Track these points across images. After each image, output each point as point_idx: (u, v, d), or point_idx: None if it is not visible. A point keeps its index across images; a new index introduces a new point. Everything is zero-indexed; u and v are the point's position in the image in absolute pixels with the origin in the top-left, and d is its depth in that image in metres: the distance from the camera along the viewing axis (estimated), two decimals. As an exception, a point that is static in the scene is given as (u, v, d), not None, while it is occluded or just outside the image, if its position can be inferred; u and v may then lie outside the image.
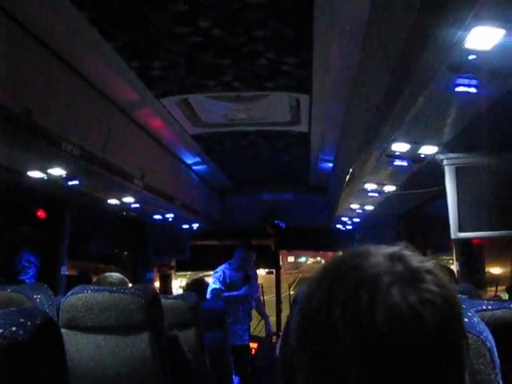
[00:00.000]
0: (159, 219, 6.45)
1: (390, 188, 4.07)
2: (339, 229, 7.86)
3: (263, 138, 5.45)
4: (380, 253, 0.97)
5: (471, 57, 1.65)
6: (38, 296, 2.98)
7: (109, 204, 4.98)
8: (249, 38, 3.18)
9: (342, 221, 7.08)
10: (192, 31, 3.07)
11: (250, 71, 3.68)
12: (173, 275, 9.29)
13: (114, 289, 3.02)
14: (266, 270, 10.04)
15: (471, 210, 2.89)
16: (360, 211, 5.60)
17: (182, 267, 9.29)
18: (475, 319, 1.49)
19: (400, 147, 2.85)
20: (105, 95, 3.81)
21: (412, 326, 0.86)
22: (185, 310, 4.05)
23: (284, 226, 8.49)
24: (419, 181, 3.76)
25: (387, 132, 2.69)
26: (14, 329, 1.36)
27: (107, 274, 3.92)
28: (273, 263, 9.37)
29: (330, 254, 9.19)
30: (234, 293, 6.83)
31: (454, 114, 2.34)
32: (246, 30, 3.08)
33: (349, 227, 7.57)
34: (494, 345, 1.47)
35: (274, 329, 8.12)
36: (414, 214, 6.38)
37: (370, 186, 4.05)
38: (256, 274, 7.46)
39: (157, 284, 8.45)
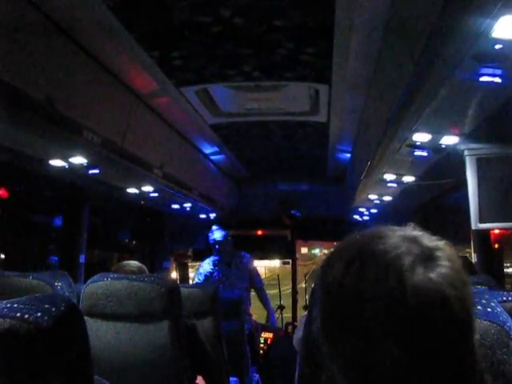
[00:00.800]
0: (177, 209, 6.47)
1: (408, 178, 4.06)
2: (356, 220, 7.84)
3: (281, 128, 5.45)
4: (395, 235, 1.04)
5: (497, 46, 1.64)
6: (59, 283, 3.01)
7: (128, 193, 5.00)
8: (269, 28, 3.17)
9: (359, 211, 7.06)
10: (213, 20, 3.06)
11: (269, 61, 3.68)
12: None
13: (134, 277, 3.04)
14: (282, 260, 10.03)
15: (492, 201, 2.88)
16: (378, 202, 5.58)
17: (198, 256, 9.30)
18: (498, 309, 1.48)
19: (421, 137, 2.84)
20: (125, 84, 3.82)
21: (436, 301, 0.96)
22: (203, 299, 4.07)
23: (300, 215, 8.49)
24: (438, 171, 3.74)
25: (409, 122, 2.68)
26: (38, 314, 1.38)
27: (125, 262, 3.94)
28: (289, 253, 9.37)
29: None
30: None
31: (477, 104, 2.32)
32: (266, 19, 3.07)
33: (366, 218, 7.55)
34: (518, 335, 1.47)
35: (290, 319, 8.15)
36: (432, 206, 6.36)
37: (388, 177, 4.04)
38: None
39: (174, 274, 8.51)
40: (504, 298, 2.40)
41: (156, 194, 5.20)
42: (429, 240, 1.05)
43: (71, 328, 1.44)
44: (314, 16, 3.02)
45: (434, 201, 6.05)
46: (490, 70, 1.84)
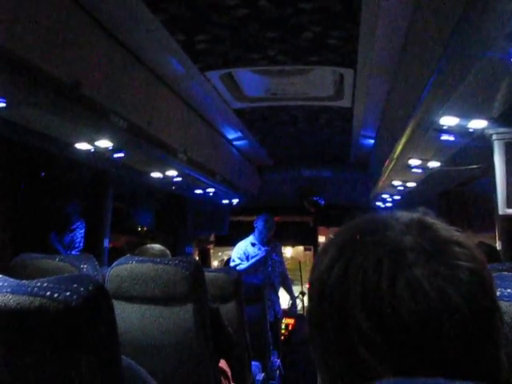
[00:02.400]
0: (200, 194, 6.49)
1: (434, 164, 4.02)
2: (379, 206, 7.81)
3: (305, 113, 5.43)
4: (402, 221, 0.84)
5: (532, 25, 1.61)
6: (85, 266, 3.05)
7: (152, 177, 5.01)
8: (295, 11, 3.15)
9: (382, 198, 7.02)
10: (238, 3, 3.04)
11: (295, 45, 3.66)
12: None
13: (159, 260, 3.07)
14: (304, 247, 10.05)
15: (520, 187, 2.85)
16: (401, 188, 5.54)
17: (221, 242, 9.35)
18: None
19: (449, 121, 2.81)
20: (150, 69, 3.83)
21: (439, 309, 0.75)
22: (226, 284, 4.09)
23: (323, 202, 8.48)
24: (464, 157, 3.70)
25: (437, 105, 2.65)
26: (67, 293, 1.39)
27: (148, 245, 3.97)
28: (311, 240, 9.38)
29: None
30: (250, 262, 6.91)
31: (507, 86, 2.29)
32: (292, 1, 3.05)
33: (388, 205, 7.51)
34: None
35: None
36: (456, 193, 6.30)
37: (413, 162, 4.00)
38: (279, 248, 7.45)
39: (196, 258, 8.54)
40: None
41: (180, 179, 5.21)
42: (445, 230, 0.83)
43: (99, 307, 1.46)
44: (341, -1, 2.99)
45: (459, 187, 6.00)
46: (523, 51, 1.81)
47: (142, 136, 3.79)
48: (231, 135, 6.22)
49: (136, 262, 3.05)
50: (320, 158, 7.84)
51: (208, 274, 3.65)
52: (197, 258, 8.49)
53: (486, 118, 2.75)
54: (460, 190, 6.10)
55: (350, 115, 5.29)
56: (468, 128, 2.87)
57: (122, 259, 3.11)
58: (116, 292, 2.97)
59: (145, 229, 8.82)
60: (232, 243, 7.62)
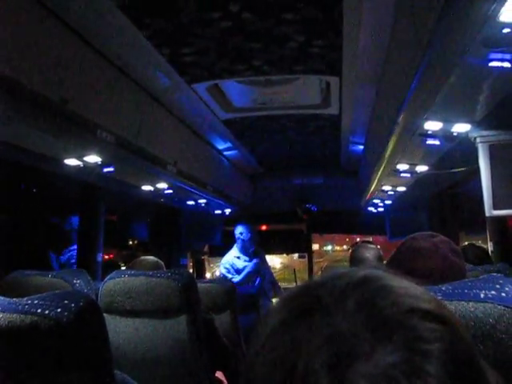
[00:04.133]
0: (192, 205, 6.51)
1: (422, 168, 4.05)
2: (371, 212, 7.83)
3: (294, 121, 5.45)
4: (338, 291, 0.62)
5: (506, 30, 1.64)
6: (78, 281, 3.06)
7: (143, 191, 5.03)
8: (278, 21, 3.18)
9: (373, 203, 7.06)
10: (221, 16, 3.08)
11: (279, 54, 3.69)
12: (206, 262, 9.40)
13: (151, 273, 3.08)
14: (298, 254, 10.08)
15: (506, 188, 2.88)
16: (392, 193, 5.58)
17: (215, 253, 9.36)
18: None
19: (433, 126, 2.85)
20: (138, 83, 3.85)
21: None
22: (220, 294, 4.11)
23: (315, 209, 8.50)
24: (451, 160, 3.74)
25: (419, 111, 2.68)
26: (58, 310, 1.41)
27: (142, 257, 3.99)
28: (305, 247, 9.40)
29: (357, 239, 9.18)
30: (243, 274, 6.97)
31: (488, 90, 2.32)
32: (275, 12, 3.08)
33: (380, 209, 7.55)
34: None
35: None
36: (447, 195, 6.34)
37: (401, 167, 4.04)
38: (264, 255, 7.55)
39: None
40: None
41: (171, 191, 5.23)
42: (399, 296, 0.59)
43: (90, 323, 1.47)
44: (323, 8, 3.02)
45: (450, 190, 6.04)
46: (500, 55, 1.84)
47: (130, 150, 3.81)
48: (221, 146, 6.24)
49: (128, 275, 3.06)
50: (311, 165, 7.87)
51: (201, 285, 3.66)
52: (191, 270, 8.52)
53: (469, 122, 2.79)
54: (452, 192, 6.14)
55: (339, 122, 5.33)
56: (452, 132, 2.90)
57: (114, 273, 3.12)
58: (109, 306, 2.98)
59: (135, 242, 8.85)
60: (226, 253, 7.64)
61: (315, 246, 9.93)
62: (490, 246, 5.46)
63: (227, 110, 4.91)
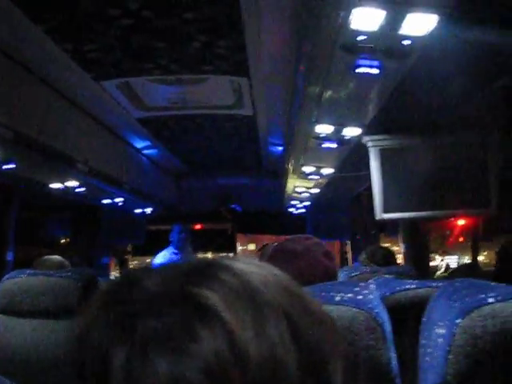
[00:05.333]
0: (109, 204, 6.43)
1: (327, 171, 4.10)
2: (292, 212, 7.91)
3: (209, 121, 5.43)
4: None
5: (360, 37, 1.67)
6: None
7: (52, 188, 4.94)
8: (180, 21, 3.16)
9: (292, 204, 7.12)
10: (122, 13, 3.04)
11: (185, 54, 3.67)
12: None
13: (51, 272, 3.02)
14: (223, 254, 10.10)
15: (395, 192, 2.94)
16: (307, 194, 5.63)
17: (138, 252, 9.30)
18: (370, 296, 1.53)
19: (324, 129, 2.88)
20: (41, 79, 3.77)
21: None
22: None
23: (240, 209, 8.53)
24: (354, 163, 3.79)
25: (309, 114, 2.71)
26: None
27: (46, 257, 3.92)
28: (230, 247, 9.43)
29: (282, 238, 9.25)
30: None
31: (368, 95, 2.37)
32: (175, 12, 3.07)
33: (301, 210, 7.61)
34: (386, 320, 1.52)
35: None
36: (365, 197, 6.43)
37: (307, 169, 4.08)
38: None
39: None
40: (408, 286, 2.47)
41: (83, 189, 5.15)
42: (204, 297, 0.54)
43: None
44: (222, 9, 3.02)
45: (367, 191, 6.13)
46: (367, 62, 1.88)
47: (32, 146, 3.73)
48: (139, 144, 6.18)
49: (28, 275, 3.00)
50: (234, 166, 7.87)
51: (103, 284, 3.61)
52: (112, 268, 8.44)
53: (359, 126, 2.83)
54: (368, 193, 6.22)
55: (254, 123, 5.33)
56: (344, 135, 2.94)
57: (13, 273, 3.06)
58: (7, 307, 2.92)
59: (63, 240, 8.69)
60: (150, 253, 7.60)
61: (240, 246, 9.98)
62: (402, 248, 5.58)
63: (140, 108, 4.85)
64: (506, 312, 1.48)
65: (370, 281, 2.69)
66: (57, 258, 3.96)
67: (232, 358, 0.51)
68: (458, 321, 1.51)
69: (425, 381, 1.67)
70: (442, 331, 1.56)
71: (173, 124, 5.49)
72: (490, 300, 1.52)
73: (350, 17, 1.52)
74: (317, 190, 5.37)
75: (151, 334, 0.52)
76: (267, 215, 8.65)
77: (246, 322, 0.53)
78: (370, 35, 1.65)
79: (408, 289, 2.45)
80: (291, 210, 7.65)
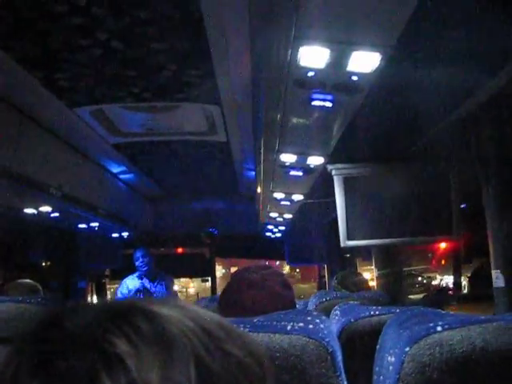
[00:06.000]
0: (84, 228, 6.43)
1: (298, 197, 4.15)
2: (269, 237, 7.95)
3: (185, 147, 5.48)
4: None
5: (310, 73, 1.73)
6: None
7: (26, 213, 4.95)
8: (149, 51, 3.22)
9: (268, 229, 7.16)
10: (91, 43, 3.09)
11: (156, 82, 3.72)
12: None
13: (20, 299, 3.01)
14: (201, 278, 10.11)
15: (359, 219, 2.99)
16: (281, 219, 5.67)
17: (116, 276, 9.27)
18: (322, 325, 1.57)
19: (288, 158, 2.93)
20: (12, 104, 3.80)
21: None
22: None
23: (217, 233, 8.55)
24: (323, 189, 3.84)
25: (272, 143, 2.76)
26: None
27: (18, 281, 3.92)
28: (208, 271, 9.43)
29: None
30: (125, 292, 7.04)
31: (327, 125, 2.42)
32: (144, 42, 3.12)
33: (278, 235, 7.66)
34: (337, 349, 1.56)
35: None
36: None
37: (278, 195, 4.12)
38: (168, 282, 7.56)
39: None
40: (371, 313, 2.51)
41: (57, 214, 5.16)
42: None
43: None
44: (190, 40, 3.08)
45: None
46: (321, 96, 1.93)
47: (4, 173, 3.75)
48: (115, 169, 6.20)
49: (-3, 301, 3.00)
50: (211, 190, 7.92)
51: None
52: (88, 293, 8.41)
53: (322, 155, 2.89)
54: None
55: (228, 149, 5.39)
56: (309, 164, 2.99)
57: (-22, 300, 3.05)
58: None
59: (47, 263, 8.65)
60: (127, 277, 7.59)
61: (223, 269, 9.99)
62: (375, 272, 5.62)
63: (115, 134, 4.89)
64: (453, 340, 1.53)
65: (335, 307, 2.73)
66: (28, 282, 3.97)
67: None
68: (406, 349, 1.56)
69: (378, 407, 1.70)
70: (392, 359, 1.60)
71: (149, 149, 5.53)
72: (438, 328, 1.57)
73: (298, 54, 1.58)
74: (290, 216, 5.41)
75: (57, 376, 0.54)
76: (246, 239, 8.68)
77: (151, 368, 0.55)
78: (319, 72, 1.71)
79: (372, 315, 2.50)
80: (268, 234, 7.68)
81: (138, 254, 7.28)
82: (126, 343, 0.56)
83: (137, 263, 7.27)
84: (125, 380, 0.53)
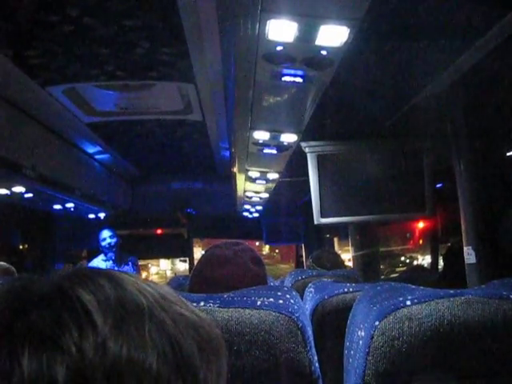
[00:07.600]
0: (60, 209, 6.38)
1: (273, 176, 4.14)
2: (246, 217, 7.95)
3: (160, 126, 5.44)
4: None
5: (279, 48, 1.72)
6: None
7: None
8: (121, 28, 3.17)
9: (245, 209, 7.16)
10: (61, 20, 3.04)
11: (130, 61, 3.68)
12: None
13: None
14: (179, 259, 10.10)
15: (332, 197, 2.99)
16: (257, 199, 5.67)
17: (93, 257, 9.24)
18: (292, 301, 1.57)
19: (261, 135, 2.92)
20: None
21: None
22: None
23: (195, 213, 8.54)
24: (297, 168, 3.83)
25: (244, 120, 2.75)
26: None
27: (-10, 263, 3.90)
28: (186, 252, 9.42)
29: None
30: None
31: (299, 102, 2.41)
32: (116, 19, 3.08)
33: (255, 215, 7.66)
34: (307, 324, 1.56)
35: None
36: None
37: (253, 174, 4.11)
38: (133, 261, 7.56)
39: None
40: (345, 290, 2.53)
41: (31, 195, 5.11)
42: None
43: None
44: (162, 17, 3.05)
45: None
46: (291, 71, 1.92)
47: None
48: (91, 149, 6.14)
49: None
50: (189, 170, 7.89)
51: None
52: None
53: (295, 132, 2.88)
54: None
55: (204, 128, 5.35)
56: (282, 142, 2.98)
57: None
58: None
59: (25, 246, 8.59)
60: (93, 259, 7.57)
61: (202, 250, 9.97)
62: (351, 251, 5.66)
63: (89, 113, 4.84)
64: (422, 314, 1.54)
65: (309, 284, 2.74)
66: (2, 264, 3.95)
67: (97, 356, 0.56)
68: (376, 323, 1.57)
69: (347, 382, 1.71)
70: (362, 333, 1.61)
71: (124, 129, 5.48)
72: (408, 303, 1.58)
73: (266, 28, 1.56)
74: (266, 195, 5.41)
75: (26, 328, 0.56)
76: (224, 219, 8.67)
77: (113, 323, 0.59)
78: (288, 46, 1.69)
79: (346, 292, 2.51)
80: (245, 214, 7.68)
81: (105, 234, 7.21)
82: (90, 294, 0.61)
83: (103, 244, 7.19)
84: (91, 331, 0.57)
